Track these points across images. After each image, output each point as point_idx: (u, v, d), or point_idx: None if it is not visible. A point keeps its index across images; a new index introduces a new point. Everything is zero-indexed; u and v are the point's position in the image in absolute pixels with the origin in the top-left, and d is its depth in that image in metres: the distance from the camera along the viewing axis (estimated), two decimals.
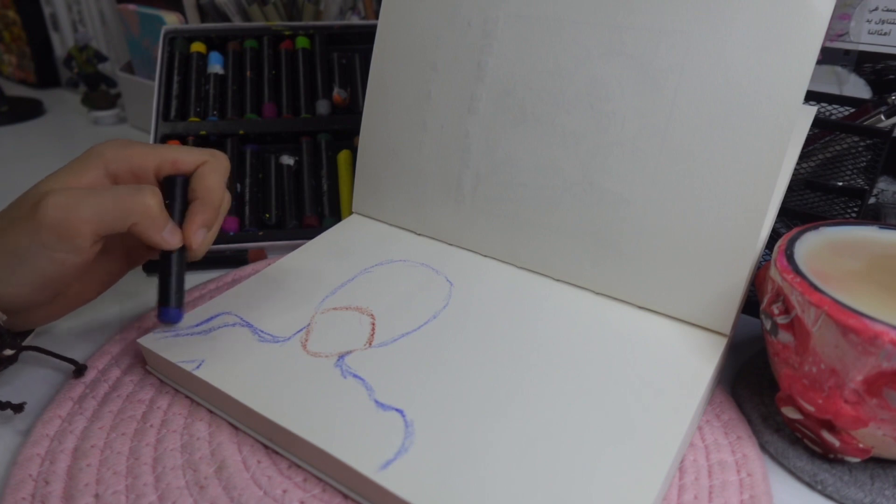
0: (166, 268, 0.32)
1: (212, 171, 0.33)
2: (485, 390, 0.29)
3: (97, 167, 0.32)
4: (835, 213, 0.39)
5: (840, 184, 0.38)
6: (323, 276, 0.38)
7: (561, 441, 0.27)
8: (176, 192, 0.33)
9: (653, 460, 0.26)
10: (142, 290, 0.44)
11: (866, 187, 0.38)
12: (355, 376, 0.30)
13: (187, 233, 0.32)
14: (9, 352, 0.31)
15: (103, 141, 0.33)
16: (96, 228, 0.29)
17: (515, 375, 0.30)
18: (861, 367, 0.25)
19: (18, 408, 0.31)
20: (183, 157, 0.33)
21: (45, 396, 0.33)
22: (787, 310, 0.28)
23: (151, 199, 0.30)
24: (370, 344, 0.33)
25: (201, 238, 0.32)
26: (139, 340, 0.33)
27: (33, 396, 0.33)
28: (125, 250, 0.35)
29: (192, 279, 0.45)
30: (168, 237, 0.31)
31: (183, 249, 0.32)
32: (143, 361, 0.35)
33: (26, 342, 0.34)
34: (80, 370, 0.34)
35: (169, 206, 0.32)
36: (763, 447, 0.30)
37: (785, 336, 0.28)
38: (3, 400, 0.31)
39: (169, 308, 0.32)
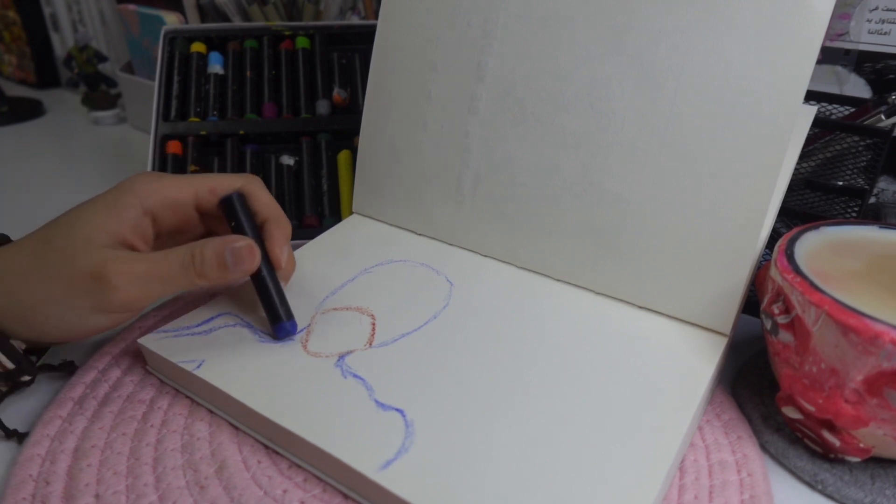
0: (262, 287, 0.33)
1: (261, 189, 0.35)
2: (485, 390, 0.30)
3: (133, 206, 0.32)
4: (835, 212, 0.39)
5: (840, 183, 0.38)
6: (323, 276, 0.38)
7: (561, 441, 0.27)
8: (237, 209, 0.34)
9: (653, 460, 0.26)
10: None
11: (866, 187, 0.38)
12: (355, 376, 0.30)
13: (274, 254, 0.33)
14: (26, 378, 0.32)
15: (132, 175, 0.33)
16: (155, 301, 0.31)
17: (515, 375, 0.30)
18: (861, 367, 0.25)
19: (24, 436, 0.30)
20: (219, 183, 0.34)
21: (44, 397, 0.33)
22: (787, 310, 0.28)
23: (211, 273, 0.30)
24: (370, 344, 0.33)
25: (287, 254, 0.34)
26: (139, 340, 0.33)
27: (32, 396, 0.33)
28: None
29: None
30: (246, 267, 0.31)
31: (269, 265, 0.33)
32: (143, 361, 0.35)
33: (40, 362, 0.34)
34: (67, 366, 0.34)
35: (235, 228, 0.33)
36: (763, 447, 0.30)
37: (785, 336, 0.28)
38: (10, 428, 0.31)
39: (283, 323, 0.33)
